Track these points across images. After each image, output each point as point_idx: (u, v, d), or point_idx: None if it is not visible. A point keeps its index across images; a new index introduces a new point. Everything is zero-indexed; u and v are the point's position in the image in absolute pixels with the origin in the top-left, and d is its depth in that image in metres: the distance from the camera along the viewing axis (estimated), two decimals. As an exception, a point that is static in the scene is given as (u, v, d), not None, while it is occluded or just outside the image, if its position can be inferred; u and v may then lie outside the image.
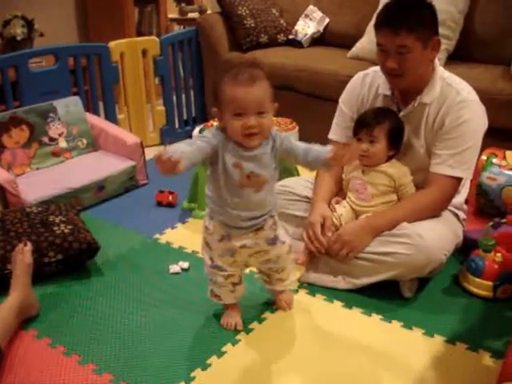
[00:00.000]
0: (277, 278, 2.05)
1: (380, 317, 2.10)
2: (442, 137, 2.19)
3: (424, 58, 2.12)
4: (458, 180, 2.21)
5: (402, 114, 2.25)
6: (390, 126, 2.19)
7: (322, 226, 2.22)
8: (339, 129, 2.43)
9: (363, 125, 2.22)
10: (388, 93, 2.28)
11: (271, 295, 2.16)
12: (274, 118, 2.94)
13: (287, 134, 2.01)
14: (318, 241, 2.21)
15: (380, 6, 3.39)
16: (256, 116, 1.71)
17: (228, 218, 1.84)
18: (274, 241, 1.93)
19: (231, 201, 1.80)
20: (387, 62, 2.12)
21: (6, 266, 2.21)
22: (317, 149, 1.80)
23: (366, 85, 2.35)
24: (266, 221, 1.90)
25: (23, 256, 2.12)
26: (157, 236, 2.71)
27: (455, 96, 2.17)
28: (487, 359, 1.89)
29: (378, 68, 2.27)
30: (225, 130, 1.76)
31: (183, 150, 1.65)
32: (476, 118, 2.19)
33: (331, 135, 2.45)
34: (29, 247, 2.16)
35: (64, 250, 2.32)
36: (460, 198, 2.35)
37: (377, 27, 2.15)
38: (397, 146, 2.23)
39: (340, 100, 2.45)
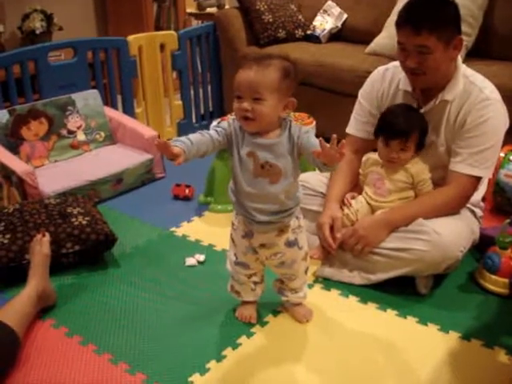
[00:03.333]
0: (290, 287, 2.02)
1: (395, 312, 2.10)
2: (464, 135, 2.15)
3: (445, 57, 2.07)
4: (478, 179, 2.19)
5: (422, 110, 2.22)
6: (420, 131, 2.16)
7: (332, 227, 2.22)
8: (358, 123, 2.41)
9: (396, 134, 2.15)
10: (409, 89, 2.24)
11: (290, 311, 2.09)
12: (292, 113, 2.94)
13: (307, 128, 1.98)
14: (327, 242, 2.21)
15: (398, 3, 3.40)
16: (251, 101, 1.67)
17: (245, 210, 1.83)
18: (292, 244, 1.90)
19: (246, 191, 1.78)
20: (407, 61, 2.09)
21: (24, 256, 2.24)
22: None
23: (387, 80, 2.33)
24: (288, 221, 1.86)
25: (41, 247, 2.15)
26: (173, 229, 2.72)
27: (478, 94, 2.13)
28: (502, 356, 1.88)
29: (398, 63, 2.22)
30: None
31: (185, 142, 1.69)
32: (498, 117, 2.15)
33: (349, 129, 2.44)
34: (47, 238, 2.19)
35: (81, 241, 2.34)
36: (477, 196, 2.33)
37: (398, 25, 2.09)
38: (421, 147, 2.22)
39: (359, 94, 2.42)
